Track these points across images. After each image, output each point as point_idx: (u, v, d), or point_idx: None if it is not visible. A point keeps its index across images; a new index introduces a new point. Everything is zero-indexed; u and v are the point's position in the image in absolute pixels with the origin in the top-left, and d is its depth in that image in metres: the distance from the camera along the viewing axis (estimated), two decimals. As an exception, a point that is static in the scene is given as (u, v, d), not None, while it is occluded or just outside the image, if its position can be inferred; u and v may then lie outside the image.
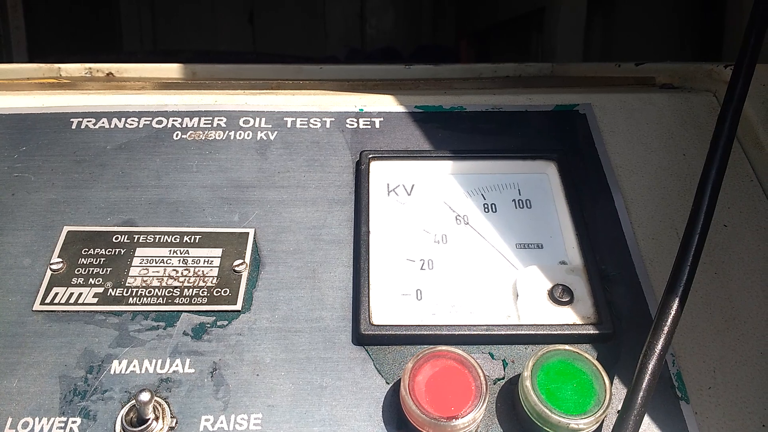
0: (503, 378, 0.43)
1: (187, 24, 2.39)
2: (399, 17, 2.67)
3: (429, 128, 0.57)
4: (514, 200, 0.53)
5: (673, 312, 0.39)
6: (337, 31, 2.62)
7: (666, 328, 0.38)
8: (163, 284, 0.47)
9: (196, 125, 0.57)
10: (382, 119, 0.58)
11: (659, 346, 0.38)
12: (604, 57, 1.57)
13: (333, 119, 0.58)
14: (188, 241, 0.49)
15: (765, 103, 0.57)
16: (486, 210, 0.52)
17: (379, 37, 2.63)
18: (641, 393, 0.37)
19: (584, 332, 0.44)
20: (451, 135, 0.57)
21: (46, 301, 0.46)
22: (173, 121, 0.57)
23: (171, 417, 0.41)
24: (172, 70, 1.00)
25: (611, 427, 0.38)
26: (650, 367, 0.38)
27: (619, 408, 0.38)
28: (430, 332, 0.44)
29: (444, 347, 0.41)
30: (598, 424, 0.39)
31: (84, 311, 0.46)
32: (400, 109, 0.59)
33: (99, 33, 2.13)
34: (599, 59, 1.57)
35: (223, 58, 1.68)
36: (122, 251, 0.49)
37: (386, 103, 0.60)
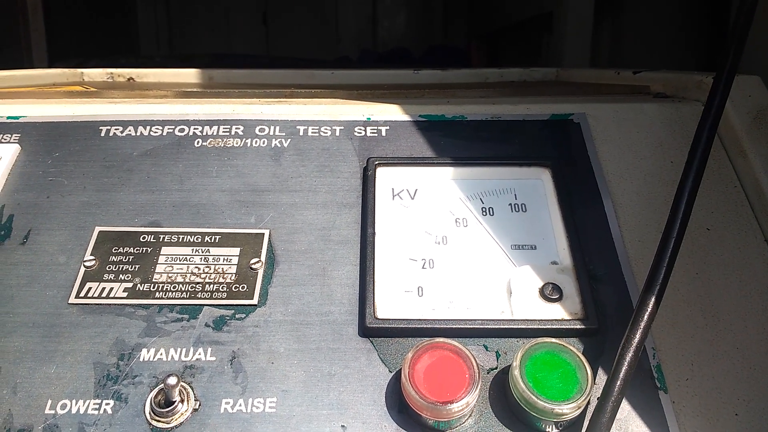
0: (496, 368, 0.47)
1: (202, 27, 2.44)
2: (410, 19, 2.70)
3: (432, 136, 0.61)
4: (510, 204, 0.57)
5: (649, 308, 0.43)
6: (350, 33, 2.66)
7: (643, 323, 0.42)
8: (187, 280, 0.51)
9: (215, 133, 0.61)
10: (388, 128, 0.62)
11: (636, 340, 0.42)
12: (612, 62, 1.59)
13: (342, 128, 0.62)
14: (209, 240, 0.54)
15: (749, 113, 0.60)
16: (484, 213, 0.56)
17: (390, 38, 2.67)
18: (619, 382, 0.41)
19: (571, 327, 0.48)
20: (452, 143, 0.61)
21: (80, 295, 0.50)
22: (194, 129, 0.62)
23: (195, 400, 0.45)
24: (190, 75, 1.05)
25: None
26: (628, 358, 0.41)
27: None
28: (430, 326, 0.48)
29: (442, 339, 0.45)
30: (580, 410, 0.42)
31: (115, 304, 0.50)
32: (405, 118, 0.63)
33: (116, 36, 2.18)
34: (607, 64, 1.60)
35: (238, 62, 1.72)
36: (149, 250, 0.53)
37: (392, 113, 0.64)
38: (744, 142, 0.59)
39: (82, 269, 0.52)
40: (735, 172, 0.59)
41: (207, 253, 0.53)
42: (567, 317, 0.49)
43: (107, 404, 0.45)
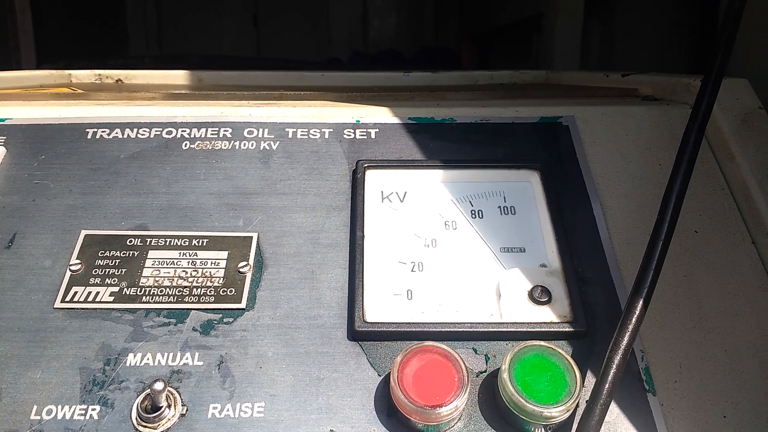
0: (485, 371, 0.47)
1: (192, 27, 2.43)
2: (401, 19, 2.71)
3: (421, 139, 0.61)
4: (499, 207, 0.57)
5: (637, 311, 0.43)
6: (340, 34, 2.65)
7: (631, 326, 0.42)
8: (174, 284, 0.51)
9: (203, 135, 0.61)
10: (377, 130, 0.62)
11: (624, 343, 0.42)
12: (602, 64, 1.60)
13: (331, 130, 0.62)
14: (196, 244, 0.53)
15: (737, 116, 0.61)
16: (473, 216, 0.56)
17: (381, 39, 2.67)
18: (607, 384, 0.41)
19: (560, 330, 0.48)
20: (442, 145, 0.61)
21: (66, 300, 0.50)
22: (182, 131, 0.61)
23: (182, 405, 0.45)
24: (179, 76, 1.05)
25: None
26: (616, 361, 0.41)
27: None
28: (419, 329, 0.48)
29: (431, 343, 0.45)
30: (569, 413, 0.42)
31: (101, 309, 0.49)
32: (395, 120, 0.63)
33: (106, 37, 2.17)
34: (597, 65, 1.60)
35: (228, 64, 1.72)
36: (136, 253, 0.52)
37: (381, 115, 0.63)
38: (731, 144, 0.59)
39: (68, 273, 0.51)
40: (723, 174, 0.59)
41: (194, 257, 0.52)
42: (556, 320, 0.49)
43: (93, 410, 0.45)
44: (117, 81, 1.05)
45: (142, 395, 0.45)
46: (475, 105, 0.65)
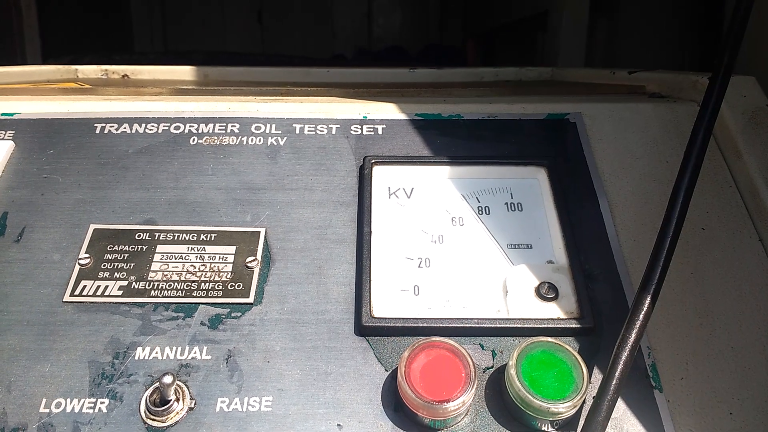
0: (492, 367, 0.47)
1: (197, 24, 2.43)
2: (406, 17, 2.70)
3: (428, 135, 0.61)
4: (506, 203, 0.57)
5: (645, 308, 0.43)
6: (345, 30, 2.65)
7: (638, 323, 0.42)
8: (182, 279, 0.51)
9: (211, 131, 0.61)
10: (384, 126, 0.62)
11: (632, 339, 0.42)
12: (607, 61, 1.60)
13: (338, 126, 0.62)
14: (205, 239, 0.53)
15: (744, 114, 0.61)
16: (480, 212, 0.56)
17: (386, 36, 2.67)
18: (614, 381, 0.41)
19: (567, 326, 0.48)
20: (448, 141, 0.61)
21: (75, 293, 0.50)
22: (190, 126, 0.62)
23: (190, 399, 0.45)
24: (185, 72, 1.05)
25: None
26: (623, 357, 0.41)
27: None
28: (426, 325, 0.48)
29: (438, 338, 0.45)
30: (576, 409, 0.42)
31: (110, 303, 0.50)
32: (402, 116, 0.63)
33: (110, 32, 2.17)
34: (602, 63, 1.60)
35: (232, 60, 1.72)
36: (144, 248, 0.53)
37: (388, 111, 0.64)
38: (739, 142, 0.59)
39: (77, 267, 0.51)
40: (730, 172, 0.59)
41: (203, 252, 0.52)
42: (563, 316, 0.49)
43: (102, 403, 0.45)
44: (123, 76, 1.05)
45: (151, 389, 0.45)
46: (481, 101, 0.65)
